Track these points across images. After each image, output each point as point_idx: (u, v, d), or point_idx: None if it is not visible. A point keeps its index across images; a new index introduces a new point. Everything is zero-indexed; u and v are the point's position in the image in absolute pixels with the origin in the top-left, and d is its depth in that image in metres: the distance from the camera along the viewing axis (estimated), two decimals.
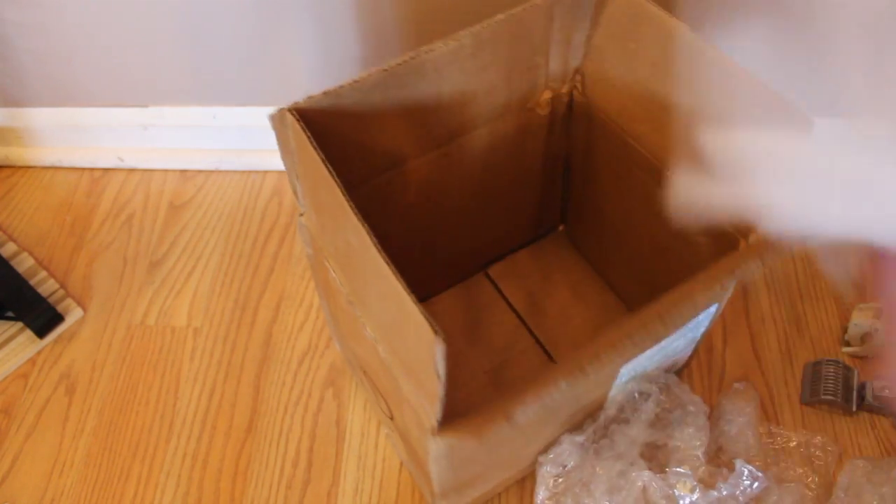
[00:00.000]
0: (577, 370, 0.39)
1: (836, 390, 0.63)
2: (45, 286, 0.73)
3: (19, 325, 0.70)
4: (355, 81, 0.44)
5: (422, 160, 0.54)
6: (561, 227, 0.73)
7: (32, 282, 0.72)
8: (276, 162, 0.84)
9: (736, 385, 0.64)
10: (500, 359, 0.65)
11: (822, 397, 0.63)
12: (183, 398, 0.66)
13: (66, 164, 0.85)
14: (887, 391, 0.62)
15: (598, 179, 0.63)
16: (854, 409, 0.63)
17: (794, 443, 0.61)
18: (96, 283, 0.74)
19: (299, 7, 0.69)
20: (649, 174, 0.55)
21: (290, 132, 0.42)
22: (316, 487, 0.61)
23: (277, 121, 0.43)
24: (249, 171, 0.84)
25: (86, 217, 0.80)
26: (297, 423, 0.64)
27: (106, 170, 0.85)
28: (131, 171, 0.85)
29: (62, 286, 0.73)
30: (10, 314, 0.70)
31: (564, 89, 0.57)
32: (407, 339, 0.37)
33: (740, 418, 0.61)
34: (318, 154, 0.39)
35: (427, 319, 0.33)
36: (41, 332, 0.69)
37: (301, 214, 0.49)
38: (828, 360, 0.64)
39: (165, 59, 0.75)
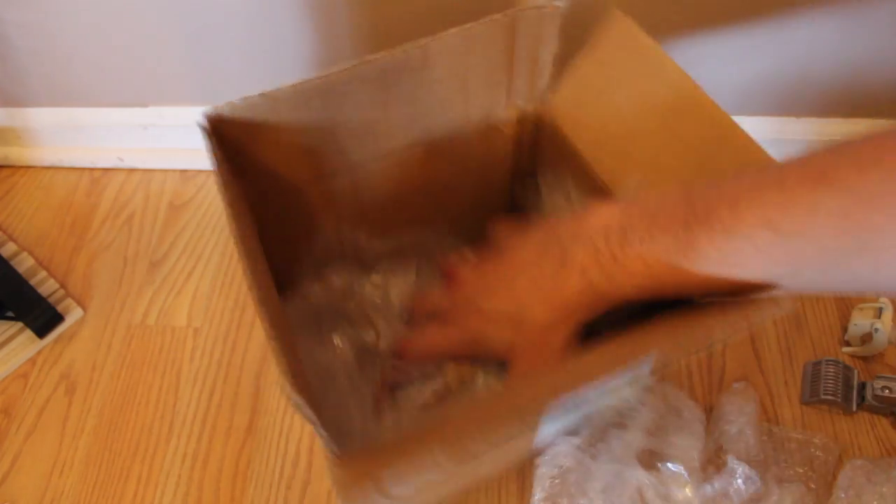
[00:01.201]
0: (459, 450, 0.33)
1: (836, 390, 0.63)
2: (45, 286, 0.73)
3: (19, 325, 0.70)
4: (293, 86, 0.42)
5: (374, 167, 0.52)
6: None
7: (32, 282, 0.72)
8: None
9: (735, 385, 0.64)
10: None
11: (822, 397, 0.63)
12: (183, 398, 0.66)
13: (66, 164, 0.85)
14: (888, 391, 0.62)
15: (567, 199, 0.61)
16: (854, 408, 0.63)
17: (794, 443, 0.61)
18: (96, 283, 0.74)
19: (299, 7, 0.69)
20: (601, 199, 0.54)
21: (207, 144, 0.40)
22: (316, 487, 0.61)
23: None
24: None
25: (86, 217, 0.80)
26: (297, 423, 0.64)
27: (106, 170, 0.85)
28: (131, 171, 0.85)
29: (62, 286, 0.73)
30: (10, 314, 0.70)
31: (530, 108, 0.55)
32: None
33: (741, 418, 0.60)
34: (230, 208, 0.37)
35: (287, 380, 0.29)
36: (41, 332, 0.69)
37: None
38: (828, 360, 0.64)
39: (165, 59, 0.75)
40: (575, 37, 0.51)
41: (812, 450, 0.60)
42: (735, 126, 0.43)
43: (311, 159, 0.49)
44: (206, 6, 0.70)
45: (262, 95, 0.42)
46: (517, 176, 0.62)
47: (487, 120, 0.55)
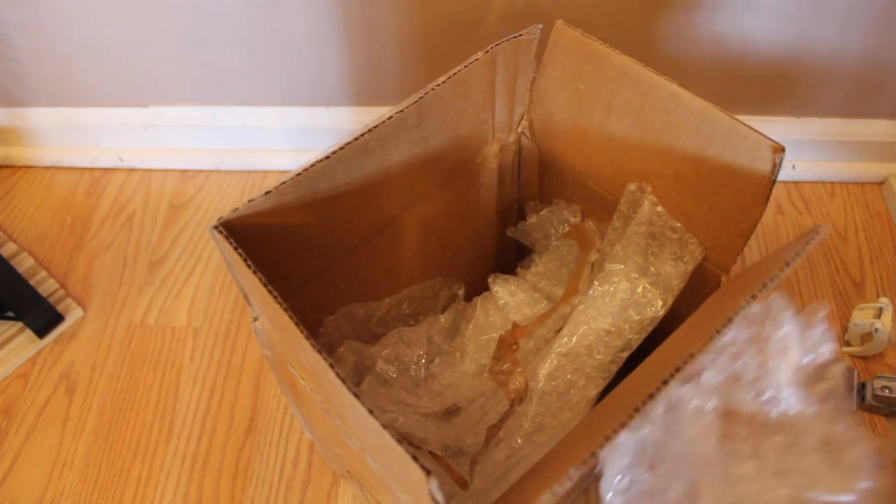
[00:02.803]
0: None
1: None
2: (45, 286, 0.73)
3: (19, 325, 0.70)
4: (298, 175, 0.41)
5: (377, 238, 0.51)
6: (517, 268, 0.68)
7: (32, 282, 0.72)
8: (276, 162, 0.84)
9: None
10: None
11: None
12: (183, 398, 0.66)
13: (66, 164, 0.85)
14: (888, 391, 0.62)
15: None
16: (854, 409, 0.63)
17: None
18: (96, 283, 0.74)
19: (298, 7, 0.69)
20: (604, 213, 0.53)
21: (222, 248, 0.39)
22: (316, 487, 0.61)
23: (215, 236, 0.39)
24: (249, 171, 0.84)
25: (86, 217, 0.80)
26: (296, 423, 0.64)
27: (106, 170, 0.85)
28: (131, 171, 0.85)
29: (62, 286, 0.73)
30: (10, 314, 0.70)
31: (511, 138, 0.55)
32: (397, 469, 0.32)
33: None
34: (269, 290, 0.35)
35: (415, 461, 0.28)
36: (41, 332, 0.69)
37: (255, 319, 0.45)
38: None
39: (165, 59, 0.75)
40: (536, 59, 0.51)
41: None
42: (716, 110, 0.43)
43: (315, 245, 0.48)
44: (205, 7, 0.70)
45: (266, 194, 0.40)
46: (501, 206, 0.61)
47: (476, 159, 0.54)
